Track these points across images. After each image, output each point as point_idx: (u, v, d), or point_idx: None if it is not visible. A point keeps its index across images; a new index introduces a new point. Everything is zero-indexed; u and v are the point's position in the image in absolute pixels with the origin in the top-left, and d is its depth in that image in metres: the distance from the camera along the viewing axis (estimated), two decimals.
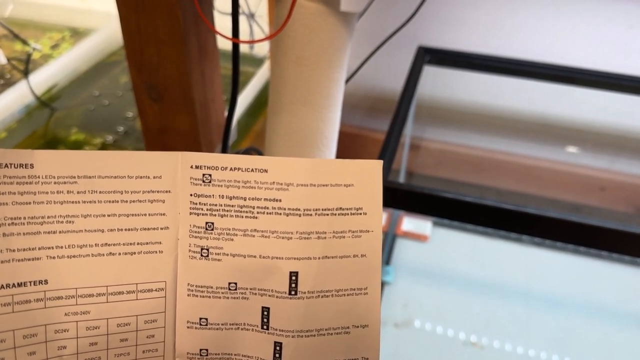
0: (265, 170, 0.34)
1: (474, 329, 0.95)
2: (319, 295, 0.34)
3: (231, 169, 0.34)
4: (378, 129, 1.28)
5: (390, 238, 1.11)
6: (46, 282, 0.32)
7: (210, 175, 0.34)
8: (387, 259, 1.07)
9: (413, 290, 1.01)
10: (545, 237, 0.68)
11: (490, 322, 0.96)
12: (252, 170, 0.34)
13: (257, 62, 1.15)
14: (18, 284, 0.31)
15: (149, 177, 0.34)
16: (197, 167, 0.34)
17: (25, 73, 1.00)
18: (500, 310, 0.98)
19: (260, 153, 0.73)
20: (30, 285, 0.32)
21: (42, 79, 1.07)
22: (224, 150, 0.63)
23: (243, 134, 1.02)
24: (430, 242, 1.11)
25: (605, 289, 1.03)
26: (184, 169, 0.34)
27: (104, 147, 0.95)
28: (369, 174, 0.34)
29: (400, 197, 0.68)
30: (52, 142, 0.95)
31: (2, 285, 0.31)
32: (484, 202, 0.65)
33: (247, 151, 0.70)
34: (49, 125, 1.00)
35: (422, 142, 1.26)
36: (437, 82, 1.16)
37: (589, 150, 1.17)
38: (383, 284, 1.02)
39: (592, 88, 0.96)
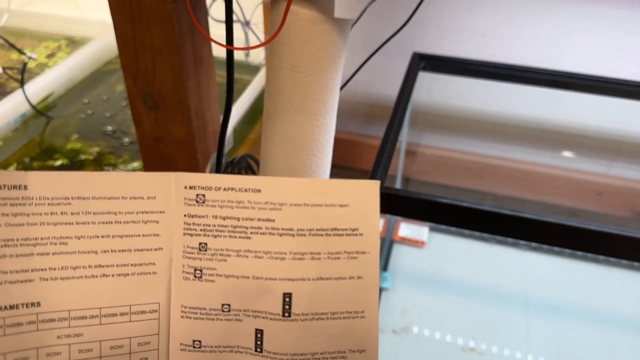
0: (259, 190, 0.34)
1: (473, 335, 0.94)
2: (313, 318, 0.34)
3: (225, 189, 0.34)
4: (374, 135, 1.28)
5: (387, 244, 1.11)
6: (39, 304, 0.32)
7: (204, 195, 0.34)
8: (384, 265, 1.07)
9: (411, 296, 1.01)
10: (543, 242, 0.67)
11: (488, 327, 0.96)
12: (246, 190, 0.34)
13: (253, 69, 1.15)
14: (10, 306, 0.31)
15: (143, 198, 0.34)
16: (191, 187, 0.34)
17: (21, 82, 1.00)
18: (498, 315, 0.98)
19: (255, 160, 0.73)
20: (23, 307, 0.31)
21: (38, 88, 1.07)
22: (219, 158, 0.63)
23: (240, 141, 1.02)
24: (428, 247, 1.11)
25: (604, 293, 1.03)
26: (178, 189, 0.34)
27: (100, 155, 0.94)
28: (365, 194, 0.34)
29: (396, 203, 0.68)
30: (49, 151, 0.95)
31: None
32: (480, 207, 0.65)
33: (243, 158, 0.70)
34: (45, 134, 1.00)
35: (418, 148, 1.26)
36: (434, 89, 1.17)
37: (586, 155, 1.17)
38: (381, 290, 1.02)
39: (588, 93, 0.96)
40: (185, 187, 0.34)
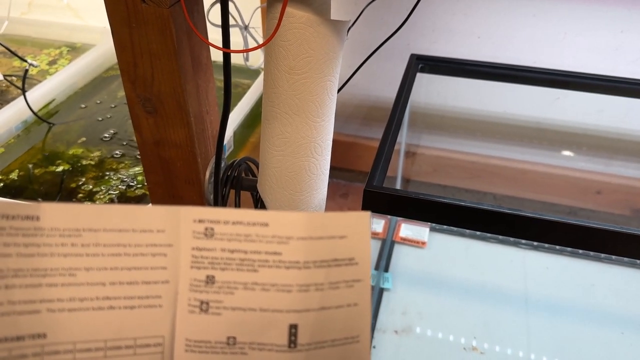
0: (266, 224, 0.34)
1: (474, 334, 0.95)
2: (316, 347, 0.34)
3: (233, 223, 0.34)
4: (374, 137, 1.29)
5: (388, 244, 1.11)
6: (45, 335, 0.32)
7: (212, 229, 0.34)
8: (385, 266, 1.07)
9: (412, 297, 1.01)
10: (543, 240, 0.68)
11: (490, 326, 0.96)
12: (254, 224, 0.34)
13: (253, 73, 1.16)
14: (17, 337, 0.31)
15: (152, 231, 0.34)
16: (200, 221, 0.34)
17: (23, 89, 1.01)
18: (500, 315, 0.98)
19: (255, 163, 0.74)
20: (29, 339, 0.31)
21: (40, 94, 1.08)
22: (218, 161, 0.63)
23: (240, 145, 1.03)
24: (428, 247, 1.11)
25: (605, 291, 1.03)
26: (187, 222, 0.34)
27: (101, 160, 0.95)
28: (358, 224, 0.35)
29: (396, 204, 0.69)
30: (50, 157, 0.96)
31: (0, 338, 0.31)
32: (480, 207, 0.65)
33: (242, 161, 0.71)
34: (46, 140, 1.01)
35: (417, 149, 1.26)
36: (432, 90, 1.17)
37: (584, 154, 1.18)
38: (382, 290, 1.02)
39: (585, 92, 0.96)
40: (194, 221, 0.34)
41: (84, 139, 1.01)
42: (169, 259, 0.34)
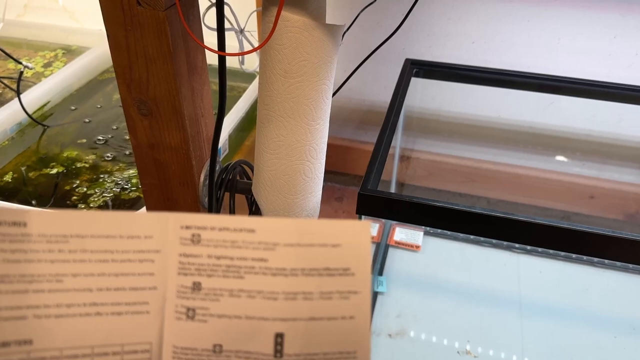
0: (253, 231, 0.34)
1: (468, 338, 0.95)
2: (305, 358, 0.33)
3: (220, 229, 0.34)
4: (369, 141, 1.29)
5: (382, 248, 1.12)
6: (31, 342, 0.31)
7: (199, 235, 0.34)
8: (380, 270, 1.07)
9: (406, 300, 1.01)
10: (536, 244, 0.68)
11: (484, 330, 0.96)
12: (240, 230, 0.34)
13: (248, 77, 1.16)
14: (3, 343, 0.31)
15: (140, 237, 0.34)
16: (187, 227, 0.34)
17: (17, 91, 1.01)
18: (493, 319, 0.98)
19: (250, 166, 0.74)
20: (14, 345, 0.31)
21: (35, 96, 1.08)
22: (213, 163, 0.63)
23: (235, 149, 1.03)
24: (423, 251, 1.11)
25: (598, 296, 1.03)
26: (175, 229, 0.34)
27: (95, 163, 0.95)
28: (356, 234, 0.34)
29: (391, 208, 0.69)
30: (45, 159, 0.96)
31: None
32: (474, 210, 0.66)
33: (237, 164, 0.71)
34: (41, 143, 1.01)
35: (412, 153, 1.27)
36: (426, 94, 1.18)
37: (578, 159, 1.18)
38: (376, 294, 1.03)
39: (579, 97, 0.97)
40: (182, 227, 0.34)
41: (83, 140, 1.01)
42: (157, 265, 0.34)
